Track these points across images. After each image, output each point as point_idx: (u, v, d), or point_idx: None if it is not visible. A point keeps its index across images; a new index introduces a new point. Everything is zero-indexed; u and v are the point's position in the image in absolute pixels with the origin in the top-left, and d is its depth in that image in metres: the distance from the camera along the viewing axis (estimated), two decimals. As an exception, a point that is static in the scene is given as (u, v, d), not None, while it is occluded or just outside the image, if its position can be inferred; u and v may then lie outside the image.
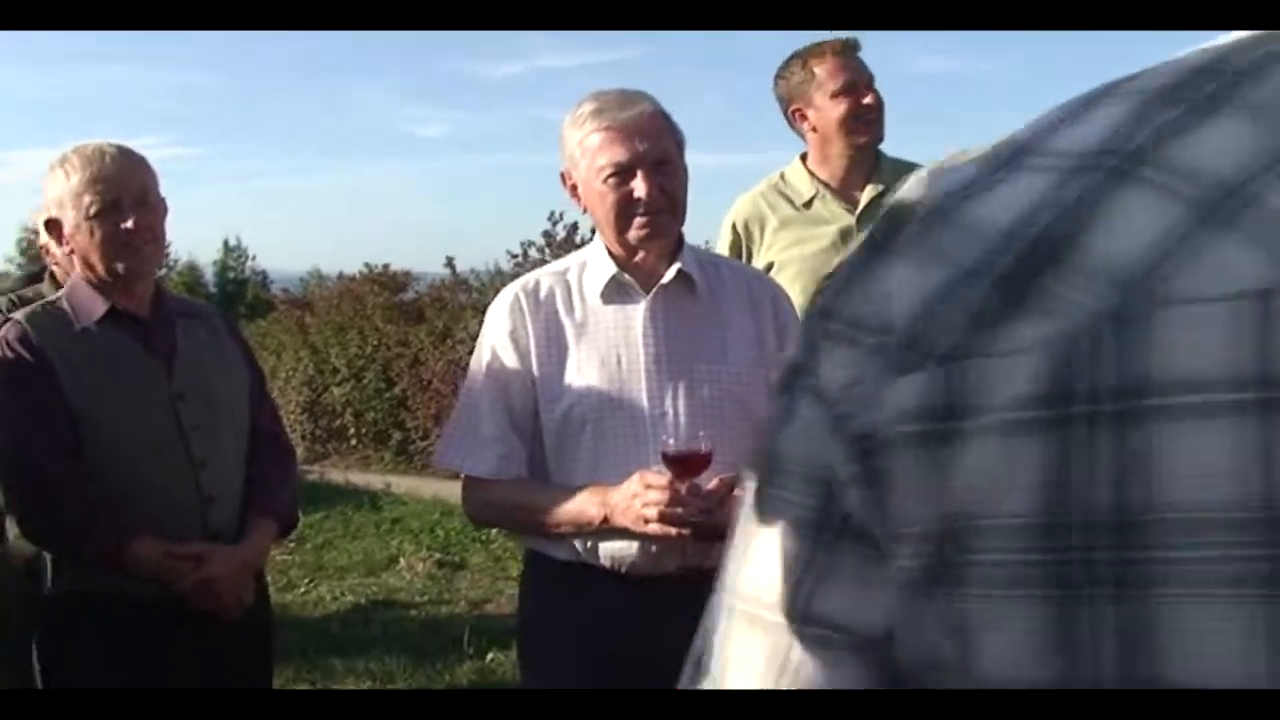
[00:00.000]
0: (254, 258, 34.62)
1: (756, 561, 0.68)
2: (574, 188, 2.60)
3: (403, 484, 12.18)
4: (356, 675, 5.77)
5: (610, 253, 2.59)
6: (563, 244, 14.44)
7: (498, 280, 15.39)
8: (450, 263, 17.00)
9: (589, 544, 2.51)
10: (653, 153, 2.47)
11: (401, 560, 8.32)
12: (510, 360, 2.56)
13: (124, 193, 2.73)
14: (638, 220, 2.49)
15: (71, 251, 2.77)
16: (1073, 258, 0.56)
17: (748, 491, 0.70)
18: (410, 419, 15.59)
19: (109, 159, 2.73)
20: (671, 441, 2.40)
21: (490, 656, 6.06)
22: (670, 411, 2.49)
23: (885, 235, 0.67)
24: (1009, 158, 0.63)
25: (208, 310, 3.23)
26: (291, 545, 8.02)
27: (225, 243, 34.07)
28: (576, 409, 2.51)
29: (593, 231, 10.64)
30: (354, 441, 16.19)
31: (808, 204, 3.72)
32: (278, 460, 3.04)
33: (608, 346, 2.53)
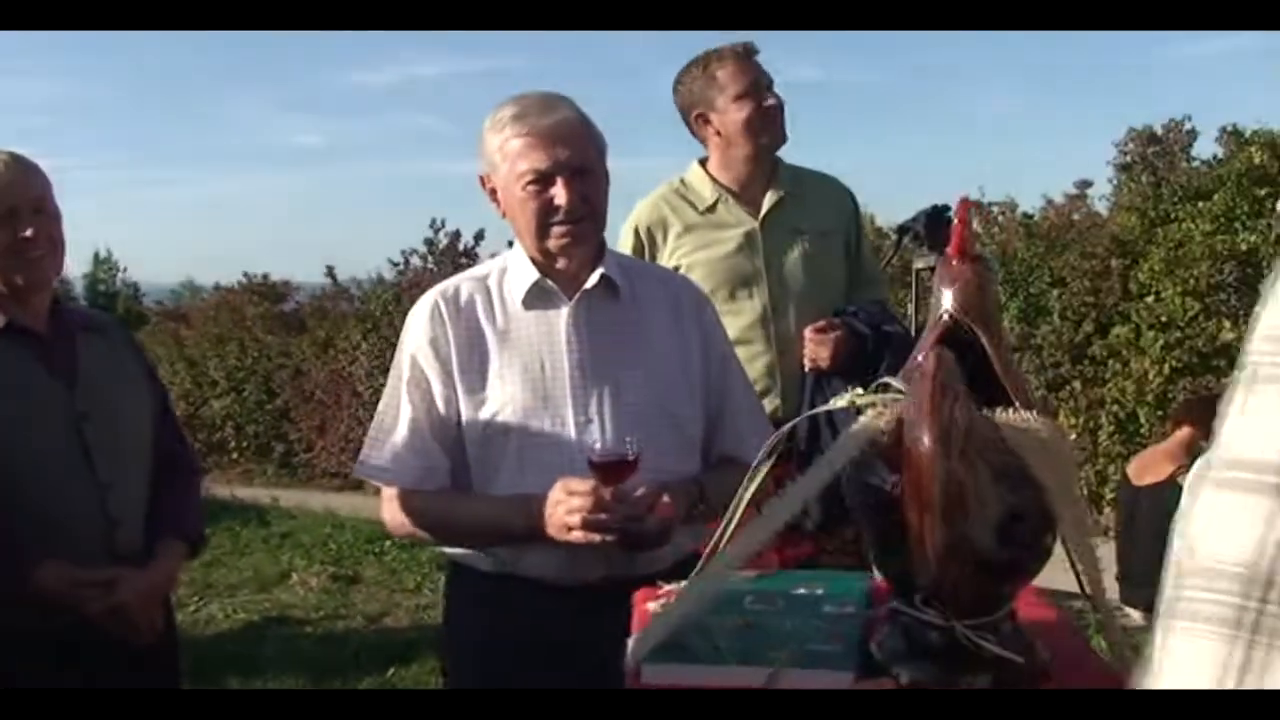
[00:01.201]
0: (125, 270, 34.02)
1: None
2: (493, 191, 2.55)
3: (291, 498, 12.03)
4: (255, 695, 5.66)
5: (531, 259, 2.55)
6: (445, 252, 14.38)
7: (379, 289, 15.29)
8: (331, 272, 16.80)
9: (513, 554, 2.46)
10: (574, 160, 2.43)
11: (294, 575, 8.21)
12: (431, 368, 2.50)
13: (20, 201, 2.59)
14: (557, 229, 2.46)
15: None
16: None
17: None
18: (293, 431, 15.45)
19: (3, 166, 2.59)
20: (598, 446, 2.36)
21: (391, 671, 6.00)
22: (595, 418, 2.45)
23: None
24: None
25: (107, 321, 3.05)
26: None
27: (95, 255, 33.40)
28: (500, 417, 2.46)
29: (476, 239, 10.48)
30: (235, 455, 16.00)
31: (711, 208, 3.72)
32: (183, 478, 2.92)
33: (531, 353, 2.49)
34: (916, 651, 1.44)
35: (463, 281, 2.61)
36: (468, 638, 2.60)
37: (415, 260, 14.79)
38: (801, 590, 1.70)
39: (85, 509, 2.61)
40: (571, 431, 2.45)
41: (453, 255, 14.34)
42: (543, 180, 2.42)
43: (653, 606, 1.72)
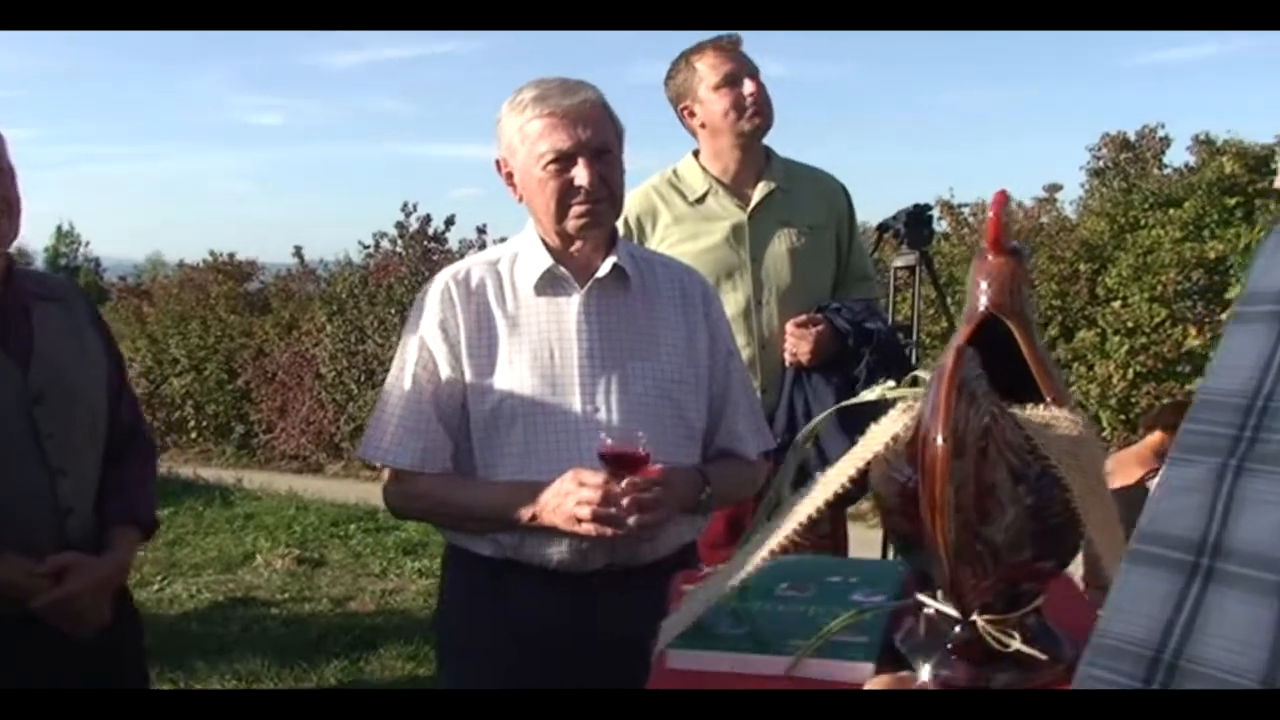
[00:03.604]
0: (88, 244, 33.71)
1: None
2: (509, 175, 2.54)
3: (255, 479, 11.93)
4: (221, 675, 5.61)
5: (545, 244, 2.54)
6: (415, 235, 14.29)
7: (347, 271, 15.21)
8: (299, 252, 16.70)
9: (516, 540, 2.45)
10: (594, 141, 2.43)
11: (258, 557, 8.15)
12: (439, 350, 2.49)
13: None
14: (576, 209, 2.45)
15: None
16: None
17: None
18: (254, 411, 15.36)
19: None
20: (609, 440, 2.35)
21: (357, 655, 5.97)
22: (602, 408, 2.45)
23: None
24: None
25: (66, 289, 2.85)
26: (141, 540, 7.78)
27: (59, 229, 33.08)
28: (507, 403, 2.45)
29: (446, 224, 10.46)
30: (194, 435, 15.89)
31: (701, 199, 3.74)
32: (138, 458, 2.78)
33: (540, 340, 2.48)
34: (938, 645, 1.44)
35: (474, 265, 2.60)
36: (466, 623, 2.58)
37: (385, 243, 14.71)
38: (836, 578, 1.72)
39: (34, 497, 2.48)
40: (579, 419, 2.44)
41: (423, 239, 14.27)
42: (564, 160, 2.43)
43: (688, 589, 1.72)
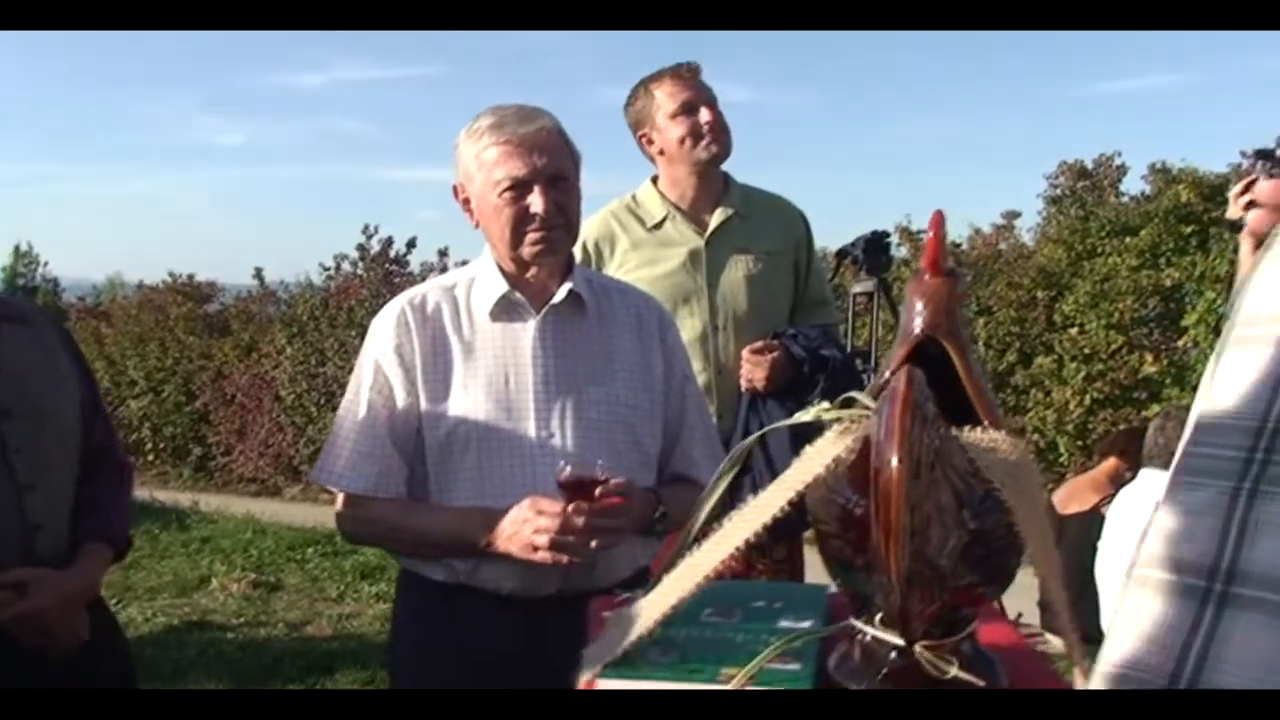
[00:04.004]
0: (46, 264, 33.43)
1: None
2: (466, 201, 2.55)
3: (209, 502, 11.85)
4: (174, 700, 5.57)
5: (501, 270, 2.55)
6: (377, 258, 14.27)
7: (308, 293, 15.16)
8: (259, 274, 16.63)
9: (469, 565, 2.44)
10: (549, 168, 2.45)
11: (214, 580, 8.10)
12: (394, 375, 2.50)
13: None
14: (532, 235, 2.46)
15: None
16: None
17: None
18: (211, 434, 15.27)
19: None
20: (568, 468, 2.34)
21: (313, 680, 5.93)
22: (557, 433, 2.45)
23: None
24: None
25: (32, 312, 2.85)
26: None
27: (16, 248, 32.79)
28: (461, 428, 2.45)
29: (408, 247, 10.47)
30: (151, 457, 15.76)
31: (658, 225, 3.75)
32: (112, 479, 2.76)
33: (495, 365, 2.49)
34: (874, 671, 1.44)
35: (430, 290, 2.61)
36: (418, 648, 2.57)
37: (346, 265, 14.68)
38: (761, 603, 1.71)
39: (1, 512, 2.45)
40: (534, 445, 2.45)
41: (384, 261, 14.25)
42: (519, 187, 2.44)
43: (609, 615, 1.71)
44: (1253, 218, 3.60)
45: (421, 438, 2.49)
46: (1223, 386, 0.77)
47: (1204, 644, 0.75)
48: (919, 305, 1.47)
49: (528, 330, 2.52)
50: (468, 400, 2.47)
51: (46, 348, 2.67)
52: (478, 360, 2.50)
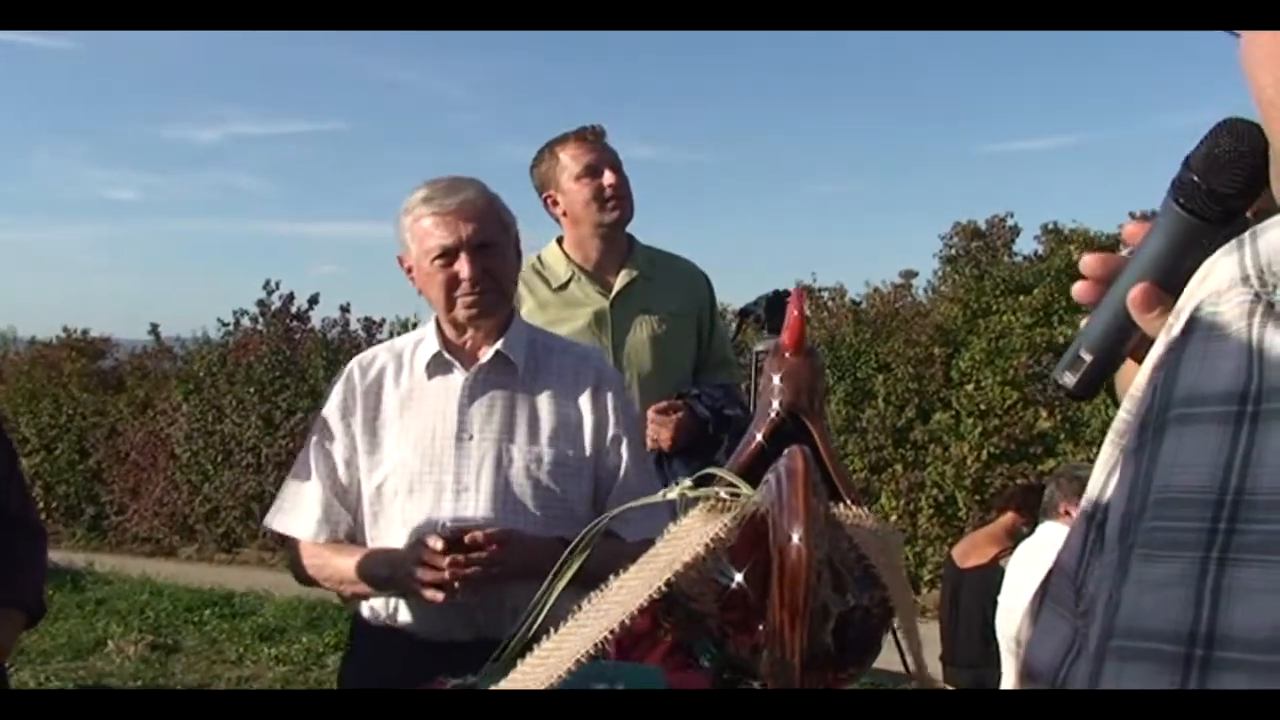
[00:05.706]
0: (-67, 319, 32.69)
1: None
2: (409, 270, 2.74)
3: (106, 562, 11.60)
4: (68, 767, 5.43)
5: (442, 331, 2.74)
6: (278, 314, 14.13)
7: (205, 349, 14.95)
8: (155, 329, 16.37)
9: (388, 607, 2.63)
10: (476, 237, 2.63)
11: (110, 643, 7.93)
12: (338, 430, 2.70)
13: None
14: (463, 300, 2.65)
15: None
16: None
17: None
18: (105, 492, 14.96)
19: None
20: (448, 524, 2.52)
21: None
22: (471, 487, 2.61)
23: None
24: None
25: None
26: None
27: (-100, 303, 32.04)
28: (391, 478, 2.64)
29: (311, 303, 10.53)
30: (44, 516, 15.37)
31: (564, 286, 3.79)
32: (26, 543, 2.76)
33: (427, 420, 2.66)
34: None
35: (380, 351, 2.86)
36: (356, 684, 2.75)
37: (246, 321, 14.51)
38: (601, 685, 1.67)
39: None
40: (449, 498, 2.61)
41: (285, 318, 14.11)
42: (448, 255, 2.64)
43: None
44: None
45: (360, 489, 2.68)
46: (1174, 462, 0.78)
47: None
48: (778, 383, 1.50)
49: (456, 386, 2.68)
50: (399, 452, 2.67)
51: None
52: (413, 415, 2.69)
